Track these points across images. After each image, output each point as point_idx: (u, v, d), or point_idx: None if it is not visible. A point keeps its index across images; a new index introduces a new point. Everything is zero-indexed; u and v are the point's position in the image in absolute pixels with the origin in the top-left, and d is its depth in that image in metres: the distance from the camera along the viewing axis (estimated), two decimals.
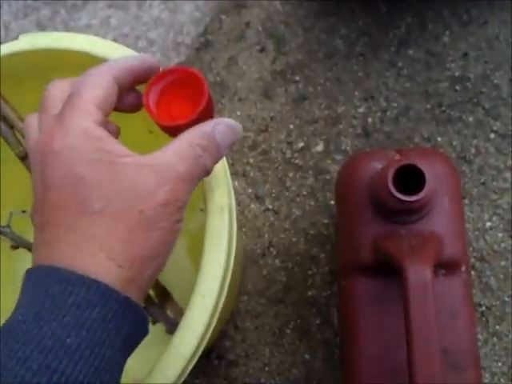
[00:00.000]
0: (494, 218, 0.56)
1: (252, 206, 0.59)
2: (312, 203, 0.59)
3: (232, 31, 0.65)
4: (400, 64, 0.61)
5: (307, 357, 0.55)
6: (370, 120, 0.60)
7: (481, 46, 0.61)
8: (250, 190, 0.60)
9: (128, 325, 0.28)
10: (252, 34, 0.64)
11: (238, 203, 0.59)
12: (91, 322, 0.26)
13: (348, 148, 0.60)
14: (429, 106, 0.60)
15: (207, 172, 0.31)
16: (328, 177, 0.59)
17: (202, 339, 0.34)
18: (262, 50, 0.64)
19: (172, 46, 0.65)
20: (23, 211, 0.45)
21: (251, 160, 0.61)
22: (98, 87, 0.30)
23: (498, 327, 0.54)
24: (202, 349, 0.35)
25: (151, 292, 0.45)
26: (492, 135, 0.58)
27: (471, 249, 0.56)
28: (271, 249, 0.58)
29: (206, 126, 0.31)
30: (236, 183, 0.60)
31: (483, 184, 0.57)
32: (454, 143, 0.58)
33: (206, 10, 0.66)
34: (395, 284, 0.38)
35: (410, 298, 0.36)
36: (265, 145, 0.61)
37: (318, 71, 0.62)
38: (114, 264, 0.27)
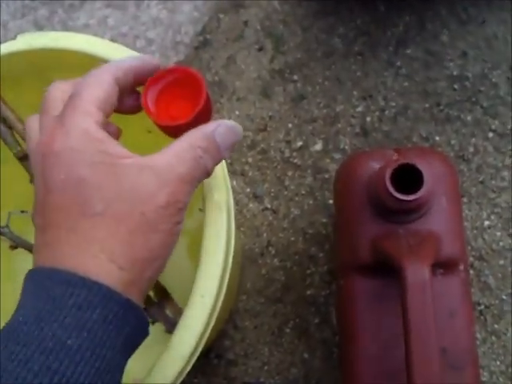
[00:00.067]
0: (493, 217, 0.56)
1: (250, 205, 0.59)
2: (311, 202, 0.59)
3: (230, 30, 0.65)
4: (398, 63, 0.61)
5: (306, 356, 0.55)
6: (368, 119, 0.60)
7: (479, 44, 0.61)
8: (248, 190, 0.60)
9: (129, 326, 0.28)
10: (250, 34, 0.64)
11: (237, 202, 0.59)
12: (92, 323, 0.26)
13: (346, 147, 0.60)
14: (427, 105, 0.60)
15: (208, 173, 0.31)
16: (327, 176, 0.59)
17: (200, 339, 0.34)
18: (260, 49, 0.64)
19: (171, 45, 0.65)
20: (22, 211, 0.45)
21: (250, 159, 0.61)
22: (98, 88, 0.30)
23: (496, 326, 0.54)
24: (200, 348, 0.35)
25: (150, 292, 0.45)
26: (490, 134, 0.58)
27: (470, 248, 0.56)
28: (270, 248, 0.58)
29: (207, 128, 0.31)
30: (234, 182, 0.60)
31: (481, 183, 0.57)
32: (453, 142, 0.59)
33: (204, 9, 0.66)
34: (394, 283, 0.38)
35: (408, 297, 0.36)
36: (263, 144, 0.61)
37: (317, 70, 0.62)
38: (114, 266, 0.27)
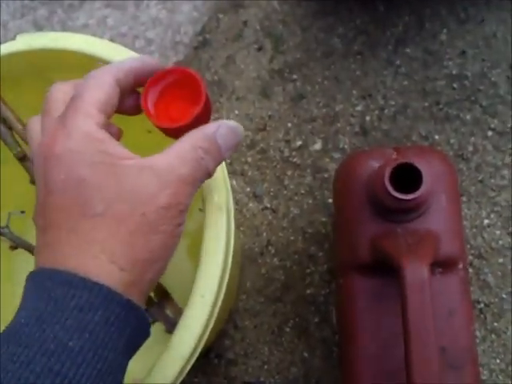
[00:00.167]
0: (492, 216, 0.56)
1: (250, 204, 0.59)
2: (310, 202, 0.59)
3: (230, 30, 0.65)
4: (398, 62, 0.61)
5: (306, 355, 0.55)
6: (367, 118, 0.60)
7: (478, 43, 0.61)
8: (248, 189, 0.60)
9: (130, 327, 0.28)
10: (250, 33, 0.64)
11: (236, 202, 0.59)
12: (94, 324, 0.26)
13: (346, 146, 0.60)
14: (426, 104, 0.60)
15: (209, 174, 0.31)
16: (326, 175, 0.59)
17: (200, 338, 0.34)
18: (259, 49, 0.64)
19: (170, 45, 0.65)
20: (22, 211, 0.45)
21: (249, 159, 0.61)
22: (99, 90, 0.30)
23: (496, 324, 0.54)
24: (200, 348, 0.35)
25: (151, 292, 0.45)
26: (490, 133, 0.59)
27: (469, 246, 0.56)
28: (269, 247, 0.58)
29: (208, 129, 0.31)
30: (234, 182, 0.60)
31: (481, 182, 0.57)
32: (452, 141, 0.59)
33: (203, 9, 0.66)
34: (393, 282, 0.38)
35: (407, 296, 0.36)
36: (263, 143, 0.61)
37: (316, 70, 0.62)
38: (115, 267, 0.27)
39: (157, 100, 0.32)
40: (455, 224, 0.43)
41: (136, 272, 0.28)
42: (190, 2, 0.66)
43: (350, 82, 0.62)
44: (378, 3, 0.63)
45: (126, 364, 0.29)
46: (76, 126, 0.28)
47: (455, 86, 0.60)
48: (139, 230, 0.28)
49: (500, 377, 0.53)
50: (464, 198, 0.57)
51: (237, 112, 0.62)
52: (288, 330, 0.56)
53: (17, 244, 0.44)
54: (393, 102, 0.60)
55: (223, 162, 0.37)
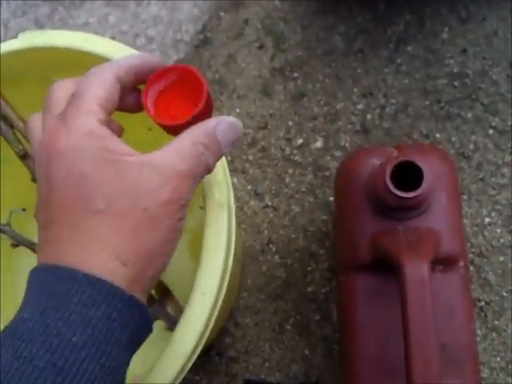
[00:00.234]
0: (493, 214, 0.57)
1: (251, 202, 0.59)
2: (311, 200, 0.59)
3: (231, 28, 0.65)
4: (399, 61, 0.61)
5: (307, 353, 0.55)
6: (368, 116, 0.60)
7: (479, 42, 0.61)
8: (249, 187, 0.60)
9: (133, 323, 0.28)
10: (251, 32, 0.64)
11: (238, 200, 0.59)
12: (96, 320, 0.26)
13: (347, 144, 0.60)
14: (427, 103, 0.60)
15: (209, 170, 0.31)
16: (327, 173, 0.59)
17: (201, 336, 0.34)
18: (260, 47, 0.64)
19: (171, 43, 0.65)
20: (23, 209, 0.45)
21: (250, 157, 0.61)
22: (100, 87, 0.30)
23: (496, 322, 0.54)
24: (201, 346, 0.35)
25: (152, 290, 0.45)
26: (490, 131, 0.59)
27: (470, 244, 0.56)
28: (270, 245, 0.58)
29: (208, 124, 0.31)
30: (235, 180, 0.60)
31: (482, 180, 0.57)
32: (453, 139, 0.59)
33: (204, 7, 0.66)
34: (393, 280, 0.38)
35: (407, 294, 0.36)
36: (264, 142, 0.61)
37: (317, 68, 0.62)
38: (118, 262, 0.28)
39: (158, 97, 0.33)
40: (456, 222, 0.43)
41: (139, 267, 0.28)
42: (190, 1, 0.66)
43: (351, 80, 0.62)
44: (378, 2, 0.63)
45: (129, 359, 0.29)
46: (77, 122, 0.29)
47: (456, 84, 0.60)
48: (141, 226, 0.28)
49: (500, 375, 0.53)
50: (465, 197, 0.57)
51: (238, 110, 0.62)
52: (289, 327, 0.56)
53: (18, 242, 0.44)
54: (394, 101, 0.60)
55: (224, 160, 0.37)
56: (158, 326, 0.44)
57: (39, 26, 0.68)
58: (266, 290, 0.57)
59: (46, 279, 0.27)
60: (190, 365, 0.35)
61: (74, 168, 0.28)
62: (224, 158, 0.37)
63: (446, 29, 0.62)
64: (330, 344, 0.55)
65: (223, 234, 0.35)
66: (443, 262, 0.42)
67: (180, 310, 0.44)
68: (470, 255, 0.55)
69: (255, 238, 0.58)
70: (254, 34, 0.64)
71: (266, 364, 0.55)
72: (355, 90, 0.61)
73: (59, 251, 0.28)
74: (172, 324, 0.44)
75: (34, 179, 0.41)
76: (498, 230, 0.56)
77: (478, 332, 0.54)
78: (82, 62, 0.38)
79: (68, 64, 0.41)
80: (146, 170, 0.28)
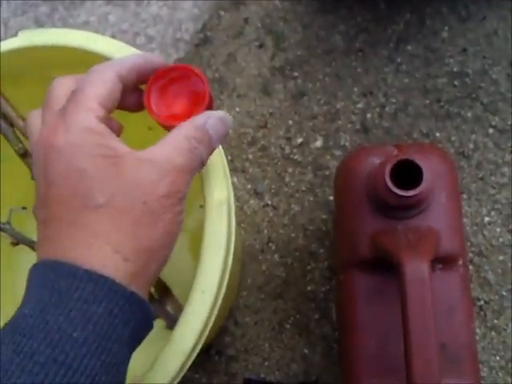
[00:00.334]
0: (493, 213, 0.57)
1: (251, 201, 0.59)
2: (311, 199, 0.59)
3: (231, 27, 0.65)
4: (399, 60, 0.61)
5: (306, 351, 0.55)
6: (368, 116, 0.60)
7: (479, 41, 0.61)
8: (249, 186, 0.60)
9: (134, 319, 0.28)
10: (251, 31, 0.64)
11: (237, 199, 0.59)
12: (98, 316, 0.26)
13: (347, 144, 0.60)
14: (427, 102, 0.60)
15: (203, 163, 0.32)
16: (327, 172, 0.59)
17: (201, 335, 0.34)
18: (260, 47, 0.64)
19: (171, 42, 0.65)
20: (23, 208, 0.45)
21: (250, 156, 0.61)
22: (101, 84, 0.30)
23: (496, 321, 0.54)
24: (201, 344, 0.35)
25: (151, 288, 0.45)
26: (490, 130, 0.59)
27: (469, 243, 0.56)
28: (270, 244, 0.58)
29: (198, 120, 0.31)
30: (235, 179, 0.60)
31: (481, 179, 0.57)
32: (453, 138, 0.59)
33: (204, 6, 0.66)
34: (393, 279, 0.38)
35: (407, 293, 0.36)
36: (264, 141, 0.61)
37: (317, 67, 0.62)
38: (120, 258, 0.28)
39: (159, 97, 0.33)
40: (455, 221, 0.43)
41: (140, 262, 0.28)
42: (190, 0, 0.66)
43: (351, 79, 0.62)
44: (378, 1, 0.63)
45: (130, 356, 0.29)
46: (76, 119, 0.29)
47: (456, 83, 0.60)
48: (142, 220, 0.28)
49: (500, 374, 0.53)
50: (464, 196, 0.57)
51: (238, 109, 0.62)
52: (288, 326, 0.56)
53: (18, 240, 0.44)
54: (394, 100, 0.60)
55: (224, 159, 0.37)
56: (158, 324, 0.44)
57: (39, 25, 0.68)
58: (265, 288, 0.57)
59: (47, 275, 0.27)
60: (189, 363, 0.35)
61: (72, 164, 0.28)
62: (224, 157, 0.37)
63: (446, 28, 0.62)
64: (329, 343, 0.55)
65: (223, 233, 0.35)
66: (443, 261, 0.42)
67: (180, 309, 0.44)
68: (470, 254, 0.55)
69: (255, 237, 0.58)
70: (254, 33, 0.64)
71: (266, 363, 0.56)
72: (355, 89, 0.61)
73: (58, 248, 0.28)
74: (171, 322, 0.44)
75: (34, 177, 0.41)
76: (498, 229, 0.56)
77: (478, 331, 0.54)
78: (83, 61, 0.38)
79: (68, 62, 0.41)
80: (144, 165, 0.29)
